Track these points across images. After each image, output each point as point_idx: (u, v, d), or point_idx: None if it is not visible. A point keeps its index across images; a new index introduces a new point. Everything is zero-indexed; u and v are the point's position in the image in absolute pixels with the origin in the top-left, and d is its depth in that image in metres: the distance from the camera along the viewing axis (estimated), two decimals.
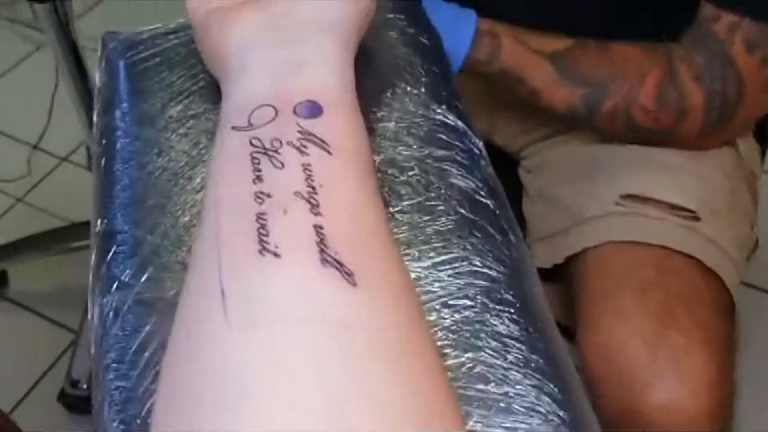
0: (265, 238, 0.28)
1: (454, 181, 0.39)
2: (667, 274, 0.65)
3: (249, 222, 0.29)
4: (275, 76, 0.35)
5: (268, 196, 0.30)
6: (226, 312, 0.27)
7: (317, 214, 0.29)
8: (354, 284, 0.28)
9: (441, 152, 0.40)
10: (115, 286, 0.36)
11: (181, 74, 0.44)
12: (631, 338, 0.62)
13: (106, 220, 0.39)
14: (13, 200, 1.39)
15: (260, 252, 0.28)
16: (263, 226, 0.29)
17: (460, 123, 0.42)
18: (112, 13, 1.67)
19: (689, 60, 0.65)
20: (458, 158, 0.40)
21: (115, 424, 0.32)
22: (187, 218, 0.38)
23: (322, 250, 0.28)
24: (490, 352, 0.33)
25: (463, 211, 0.37)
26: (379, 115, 0.42)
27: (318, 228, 0.29)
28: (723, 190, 0.71)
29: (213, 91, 0.43)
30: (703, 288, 0.65)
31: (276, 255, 0.28)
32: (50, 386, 1.15)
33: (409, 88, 0.43)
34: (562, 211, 0.74)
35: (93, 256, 0.39)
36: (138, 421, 0.32)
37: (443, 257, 0.35)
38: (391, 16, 0.47)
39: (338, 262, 0.28)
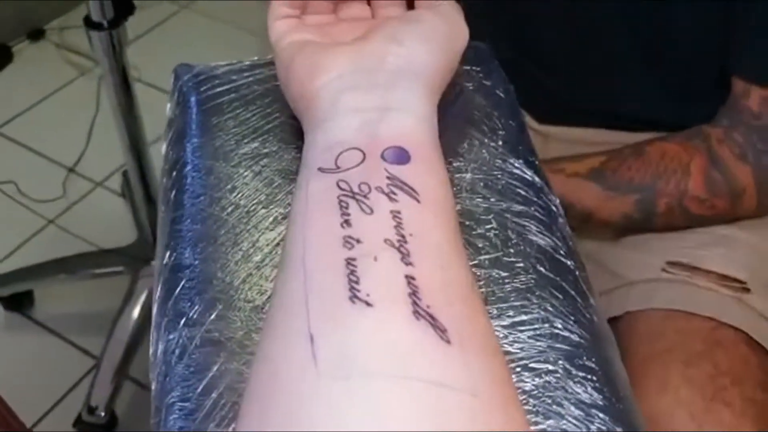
0: (356, 285, 0.27)
1: (533, 238, 0.38)
2: (715, 347, 0.62)
3: (339, 267, 0.28)
4: (364, 120, 0.35)
5: (358, 241, 0.29)
6: (316, 359, 0.26)
7: (408, 264, 0.28)
8: (448, 341, 0.27)
9: (519, 207, 0.39)
10: (182, 322, 0.35)
11: (255, 111, 0.44)
12: (678, 410, 0.60)
13: (174, 254, 0.38)
14: (45, 221, 1.39)
15: (351, 299, 0.27)
16: (353, 272, 0.28)
17: (537, 178, 0.41)
18: (151, 45, 1.70)
19: (729, 140, 0.64)
20: (537, 214, 0.39)
21: None
22: (259, 257, 0.37)
23: (414, 302, 0.27)
24: (573, 420, 0.31)
25: (542, 269, 0.36)
26: (455, 165, 0.41)
27: (410, 278, 0.28)
28: None
29: (288, 131, 0.43)
30: (753, 363, 0.63)
31: (368, 304, 0.27)
32: (67, 411, 1.14)
33: (486, 140, 0.42)
34: (608, 274, 0.73)
35: (158, 291, 0.38)
36: None
37: (523, 317, 0.34)
38: (468, 67, 0.47)
39: (431, 317, 0.27)
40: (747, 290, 0.66)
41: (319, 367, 0.26)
